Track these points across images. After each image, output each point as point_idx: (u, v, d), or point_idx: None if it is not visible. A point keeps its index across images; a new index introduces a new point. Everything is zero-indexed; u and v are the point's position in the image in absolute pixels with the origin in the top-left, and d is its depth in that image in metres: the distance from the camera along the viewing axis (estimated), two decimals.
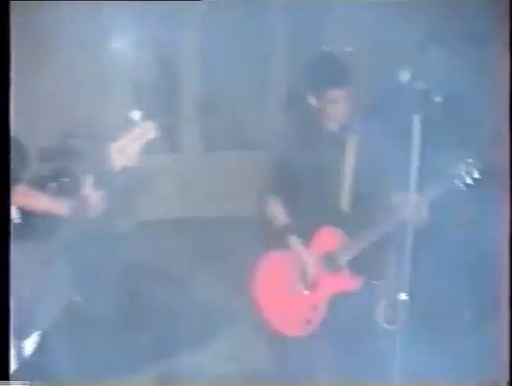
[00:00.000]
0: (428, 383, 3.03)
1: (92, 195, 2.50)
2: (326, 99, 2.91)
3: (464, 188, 2.69)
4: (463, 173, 2.68)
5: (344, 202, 3.02)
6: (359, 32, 5.55)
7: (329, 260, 2.96)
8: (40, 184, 4.32)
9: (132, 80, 6.11)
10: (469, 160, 2.67)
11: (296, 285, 3.01)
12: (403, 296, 2.42)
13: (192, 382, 3.51)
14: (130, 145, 2.42)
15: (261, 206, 3.15)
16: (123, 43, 6.04)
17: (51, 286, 2.77)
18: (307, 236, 3.01)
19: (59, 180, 4.63)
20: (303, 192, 3.03)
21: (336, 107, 2.91)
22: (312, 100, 2.99)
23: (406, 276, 2.41)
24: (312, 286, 2.99)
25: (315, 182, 3.01)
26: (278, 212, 3.10)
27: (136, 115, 2.48)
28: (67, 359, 2.99)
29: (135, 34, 5.94)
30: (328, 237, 2.99)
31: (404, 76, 2.33)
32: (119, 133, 2.44)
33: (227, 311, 3.94)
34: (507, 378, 2.57)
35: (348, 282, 2.94)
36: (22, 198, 2.68)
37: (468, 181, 2.67)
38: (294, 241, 3.00)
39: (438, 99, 2.28)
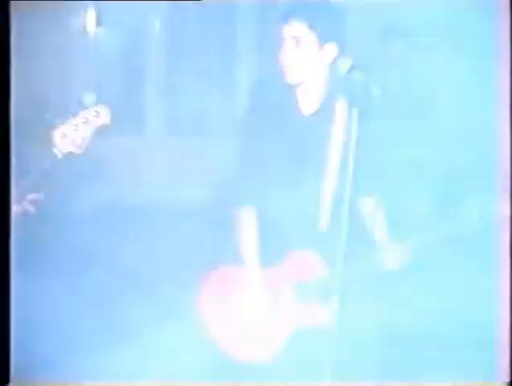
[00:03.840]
0: (427, 384, 2.92)
1: None
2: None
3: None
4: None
5: (324, 218, 2.52)
6: None
7: (299, 290, 2.54)
8: None
9: (93, 59, 5.88)
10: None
11: (254, 309, 2.59)
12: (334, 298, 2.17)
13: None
14: (78, 130, 2.28)
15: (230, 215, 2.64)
16: (85, 22, 5.81)
17: None
18: (275, 258, 2.54)
19: None
20: (273, 202, 2.54)
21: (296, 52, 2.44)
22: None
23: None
24: (274, 316, 2.57)
25: (289, 190, 2.52)
26: (247, 235, 2.56)
27: (89, 98, 2.35)
28: None
29: (98, 13, 5.75)
30: (300, 263, 2.53)
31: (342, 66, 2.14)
32: (67, 116, 2.31)
33: (174, 310, 3.74)
34: (507, 378, 2.48)
35: (318, 316, 2.47)
36: None
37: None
38: (253, 274, 2.54)
39: (376, 92, 2.06)
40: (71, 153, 2.30)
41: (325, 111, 2.55)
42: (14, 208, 2.38)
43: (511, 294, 2.66)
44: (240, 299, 2.61)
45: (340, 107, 2.51)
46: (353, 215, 2.13)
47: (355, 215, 2.34)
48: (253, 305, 2.57)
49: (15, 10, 2.11)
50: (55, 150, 2.30)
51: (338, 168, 2.46)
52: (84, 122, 2.30)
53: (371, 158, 2.29)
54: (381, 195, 2.49)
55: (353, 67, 2.11)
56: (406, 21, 4.06)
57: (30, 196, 2.37)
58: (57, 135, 2.30)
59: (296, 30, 2.43)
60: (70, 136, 2.30)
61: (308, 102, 2.56)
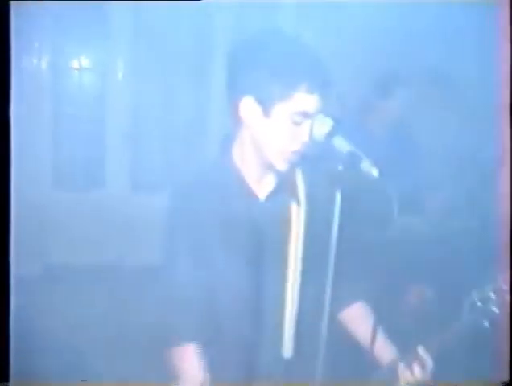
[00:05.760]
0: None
1: None
2: (290, 111, 1.66)
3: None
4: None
5: (287, 342, 1.80)
6: None
7: None
8: None
9: (51, 104, 5.41)
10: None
11: None
12: None
13: None
14: None
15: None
16: (38, 63, 5.32)
17: None
18: None
19: None
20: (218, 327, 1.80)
21: (300, 132, 1.67)
22: (254, 112, 1.72)
23: None
24: None
25: (237, 308, 1.80)
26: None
27: None
28: None
29: (54, 54, 5.31)
30: None
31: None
32: None
33: None
34: (507, 378, 2.23)
35: None
36: None
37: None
38: None
39: (371, 171, 1.52)
40: None
41: (287, 193, 1.84)
42: None
43: (511, 293, 2.39)
44: None
45: (314, 189, 1.85)
46: (331, 330, 1.55)
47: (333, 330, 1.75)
48: None
49: (15, 10, 2.07)
50: None
51: (305, 269, 1.80)
52: None
53: (355, 257, 1.73)
54: (371, 299, 1.94)
55: (334, 132, 1.54)
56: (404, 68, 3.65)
57: None
58: None
59: (308, 102, 1.67)
60: None
61: (265, 182, 1.84)
